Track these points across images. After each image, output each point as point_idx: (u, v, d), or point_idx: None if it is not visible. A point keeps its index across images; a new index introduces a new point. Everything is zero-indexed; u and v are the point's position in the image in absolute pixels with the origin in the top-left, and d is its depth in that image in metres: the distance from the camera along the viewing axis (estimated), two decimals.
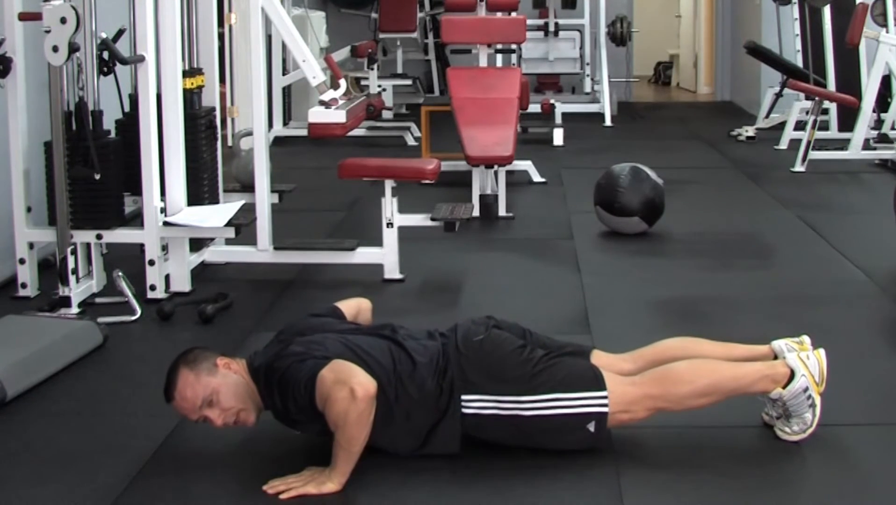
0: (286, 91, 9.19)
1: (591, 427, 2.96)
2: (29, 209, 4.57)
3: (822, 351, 3.11)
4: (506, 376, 2.98)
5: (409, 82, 10.41)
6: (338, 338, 3.04)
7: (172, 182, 4.65)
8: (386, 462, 2.97)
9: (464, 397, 2.96)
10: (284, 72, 8.86)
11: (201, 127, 4.94)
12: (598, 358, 3.15)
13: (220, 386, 2.96)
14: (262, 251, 4.95)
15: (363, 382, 2.78)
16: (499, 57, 7.50)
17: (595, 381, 2.98)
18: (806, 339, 3.17)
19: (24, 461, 3.07)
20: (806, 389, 3.03)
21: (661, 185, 5.82)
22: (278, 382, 2.91)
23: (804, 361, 3.06)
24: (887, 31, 8.14)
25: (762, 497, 2.83)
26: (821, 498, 2.88)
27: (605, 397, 2.95)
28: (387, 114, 9.65)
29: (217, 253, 5.06)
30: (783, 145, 8.68)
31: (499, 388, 2.96)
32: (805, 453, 3.04)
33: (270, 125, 7.97)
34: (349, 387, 2.76)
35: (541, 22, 11.02)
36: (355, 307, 3.35)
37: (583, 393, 2.96)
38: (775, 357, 3.13)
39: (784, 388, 3.02)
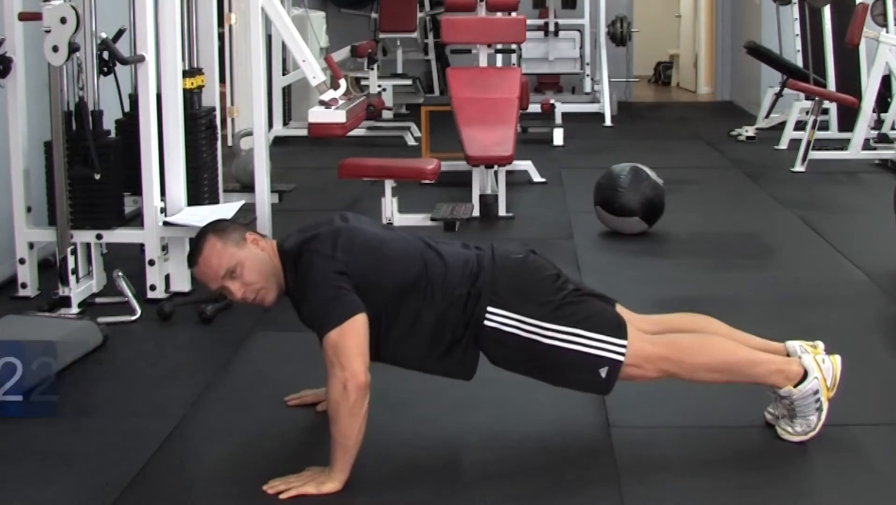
0: (286, 91, 9.18)
1: (603, 372, 2.95)
2: (29, 209, 4.57)
3: (837, 357, 3.09)
4: (535, 299, 2.96)
5: (409, 82, 10.40)
6: (373, 228, 3.04)
7: (172, 182, 4.65)
8: (386, 462, 2.97)
9: (489, 309, 2.95)
10: (284, 72, 8.85)
11: (201, 127, 4.94)
12: (620, 311, 3.11)
13: (246, 259, 2.96)
14: None
15: (357, 374, 2.75)
16: (499, 57, 7.49)
17: (618, 328, 2.97)
18: (820, 344, 3.15)
19: (24, 461, 3.06)
20: (816, 392, 3.02)
21: (661, 185, 5.81)
22: (302, 276, 2.89)
23: (819, 364, 3.05)
24: (887, 31, 8.14)
25: (763, 497, 2.83)
26: (821, 498, 2.88)
27: (623, 346, 2.94)
28: (387, 114, 9.64)
29: None
30: (783, 145, 8.67)
31: (525, 308, 2.94)
32: (806, 453, 3.04)
33: (270, 125, 7.96)
34: (342, 379, 2.75)
35: (541, 22, 11.01)
36: None
37: (603, 336, 2.94)
38: (788, 356, 3.11)
39: (795, 386, 3.02)
